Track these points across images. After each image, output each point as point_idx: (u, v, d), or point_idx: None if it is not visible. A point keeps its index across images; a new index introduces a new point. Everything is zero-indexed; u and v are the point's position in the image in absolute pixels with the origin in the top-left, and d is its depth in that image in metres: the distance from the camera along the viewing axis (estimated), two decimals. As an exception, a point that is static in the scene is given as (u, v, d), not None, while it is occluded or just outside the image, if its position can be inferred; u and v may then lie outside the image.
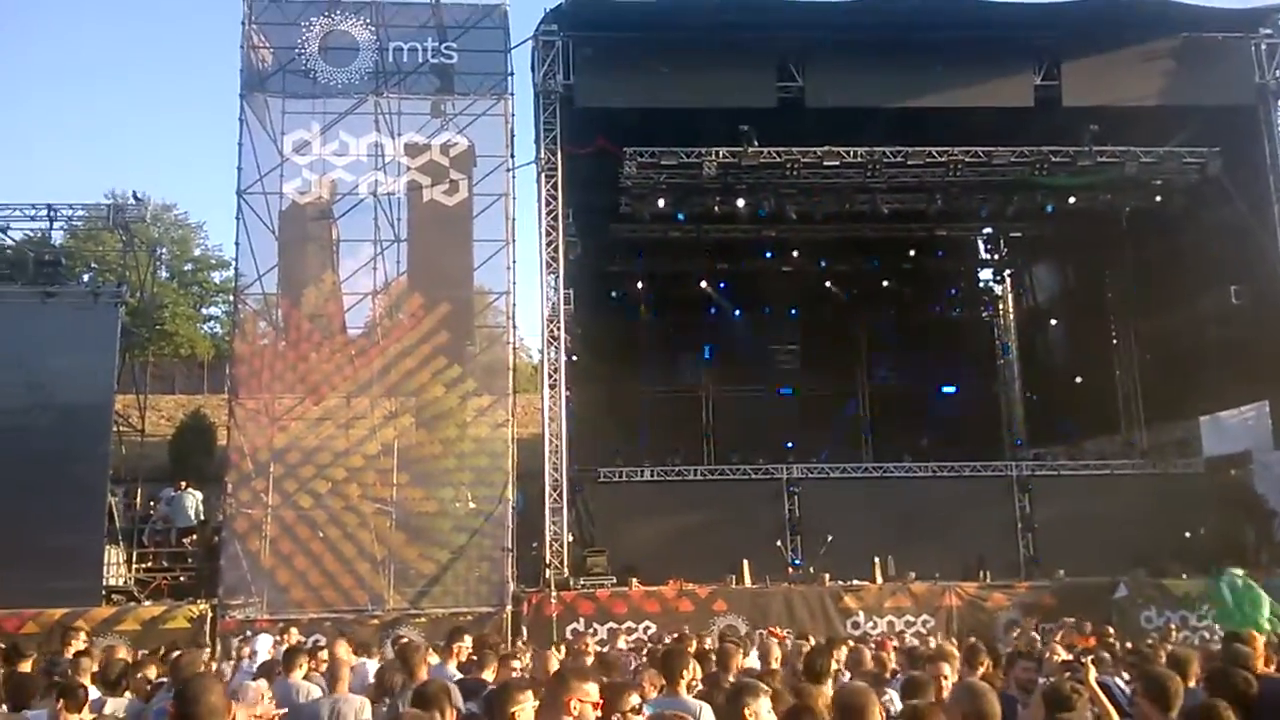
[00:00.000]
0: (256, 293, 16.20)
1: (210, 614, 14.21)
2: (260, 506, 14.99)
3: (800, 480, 18.86)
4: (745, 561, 16.12)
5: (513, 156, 17.01)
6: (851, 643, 9.63)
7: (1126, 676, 6.86)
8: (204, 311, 41.05)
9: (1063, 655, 7.88)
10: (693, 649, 8.12)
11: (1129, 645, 10.29)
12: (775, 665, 7.58)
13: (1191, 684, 5.10)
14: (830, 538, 16.67)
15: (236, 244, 16.23)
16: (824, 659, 6.30)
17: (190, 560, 16.61)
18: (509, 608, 14.83)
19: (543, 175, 17.38)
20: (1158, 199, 19.71)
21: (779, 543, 17.26)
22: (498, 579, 15.10)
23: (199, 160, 75.66)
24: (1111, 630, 12.23)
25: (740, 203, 19.92)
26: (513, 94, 17.01)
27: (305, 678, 6.99)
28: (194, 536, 17.11)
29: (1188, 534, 17.34)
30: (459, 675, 7.47)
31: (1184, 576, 15.86)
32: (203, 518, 17.44)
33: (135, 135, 68.17)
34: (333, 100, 16.62)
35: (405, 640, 9.69)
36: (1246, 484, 18.59)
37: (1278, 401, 18.50)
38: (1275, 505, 17.64)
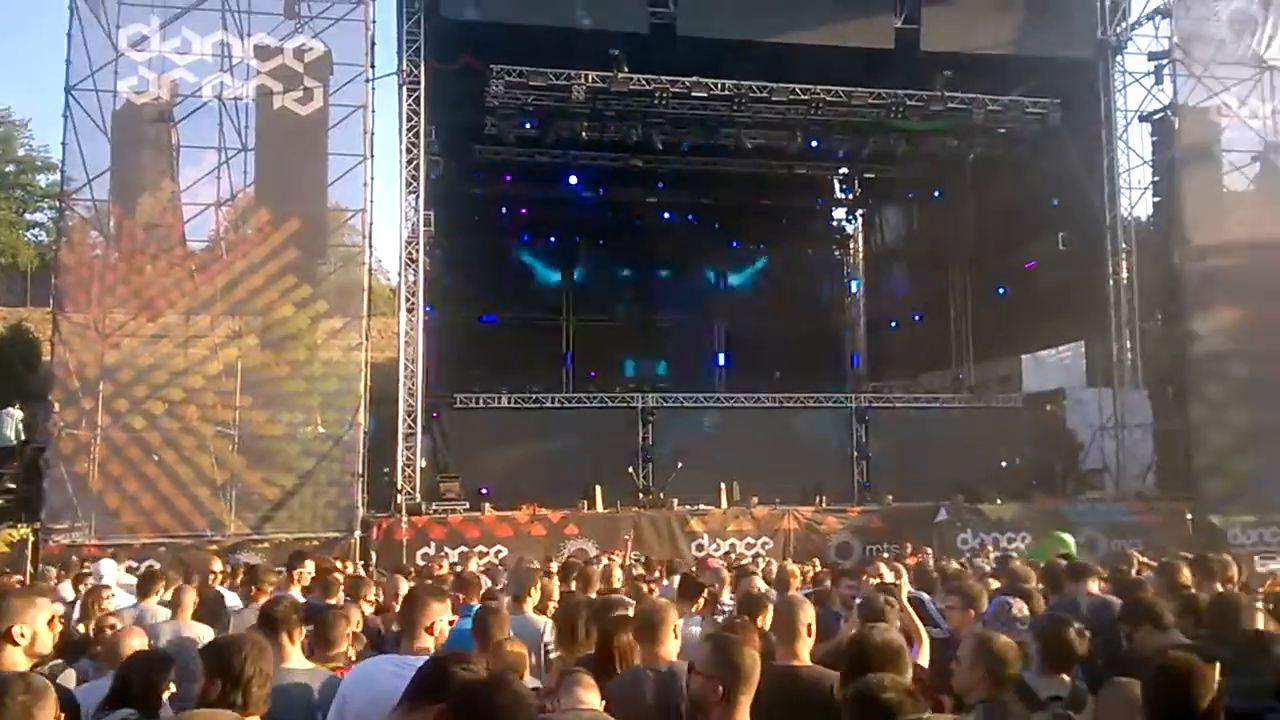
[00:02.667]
0: (86, 199, 15.01)
1: (32, 538, 13.48)
2: (88, 427, 14.15)
3: (655, 409, 19.32)
4: (598, 487, 16.48)
5: (372, 67, 16.30)
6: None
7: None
8: (28, 217, 37.73)
9: (886, 575, 8.50)
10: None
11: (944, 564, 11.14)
12: (617, 585, 7.95)
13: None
14: (680, 464, 17.21)
15: (64, 145, 14.94)
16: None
17: (9, 483, 15.60)
18: (358, 533, 14.70)
19: (404, 89, 16.73)
20: (1001, 147, 20.60)
21: (631, 469, 17.72)
22: (346, 504, 14.89)
23: (24, 52, 68.58)
24: (931, 551, 13.30)
25: (609, 130, 19.79)
26: (374, -1, 16.19)
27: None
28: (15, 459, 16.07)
29: (1004, 463, 18.83)
30: (302, 600, 7.45)
31: (999, 501, 17.20)
32: (24, 438, 16.36)
33: (-55, 17, 60.96)
34: (175, -8, 15.39)
35: (257, 565, 9.53)
36: (1059, 418, 20.21)
37: (1092, 342, 20.11)
38: (1083, 439, 19.29)
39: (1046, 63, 18.59)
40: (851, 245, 28.81)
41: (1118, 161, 18.77)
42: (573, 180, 23.47)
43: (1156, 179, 18.81)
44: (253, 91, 15.70)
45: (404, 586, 7.25)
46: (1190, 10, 18.17)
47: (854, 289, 28.54)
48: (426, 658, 3.71)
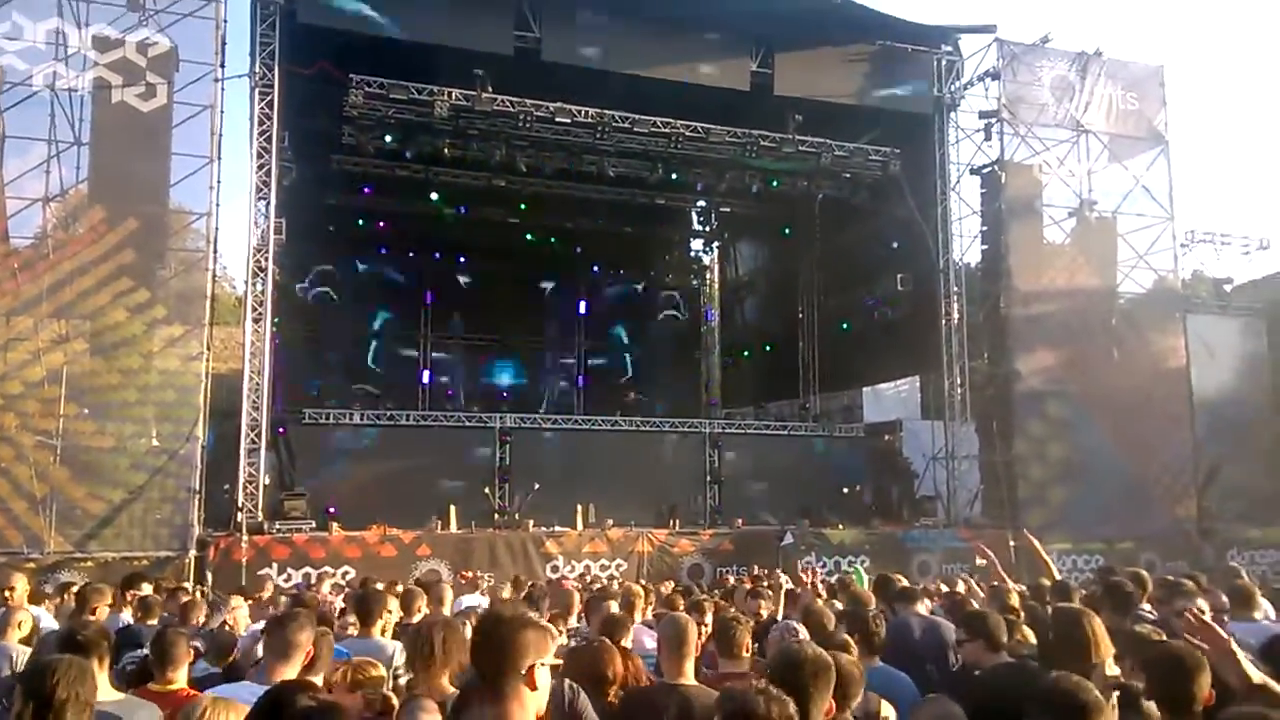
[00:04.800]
0: (-106, 186, 13.75)
1: None
2: (-109, 433, 12.85)
3: (514, 430, 19.22)
4: (452, 507, 16.22)
5: (222, 66, 15.54)
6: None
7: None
8: None
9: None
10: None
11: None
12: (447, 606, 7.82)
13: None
14: (537, 485, 17.15)
15: (-126, 129, 13.67)
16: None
17: None
18: (193, 552, 13.88)
19: (256, 91, 16.11)
20: (846, 190, 21.70)
21: (486, 489, 17.52)
22: (181, 521, 14.01)
23: None
24: (779, 572, 13.74)
25: (471, 148, 19.70)
26: (226, -3, 15.56)
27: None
28: None
29: (845, 490, 19.74)
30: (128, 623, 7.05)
31: (840, 526, 18.00)
32: None
33: None
34: (7, -23, 14.35)
35: (88, 584, 8.86)
36: (896, 448, 21.40)
37: (927, 378, 21.44)
38: (917, 467, 20.47)
39: (889, 114, 19.69)
40: (708, 276, 29.68)
41: (950, 210, 19.96)
42: (433, 196, 23.12)
43: (985, 228, 20.12)
44: (89, 83, 14.75)
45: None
46: (1016, 74, 19.70)
47: (709, 318, 29.36)
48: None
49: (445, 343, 25.17)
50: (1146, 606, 6.54)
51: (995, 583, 8.25)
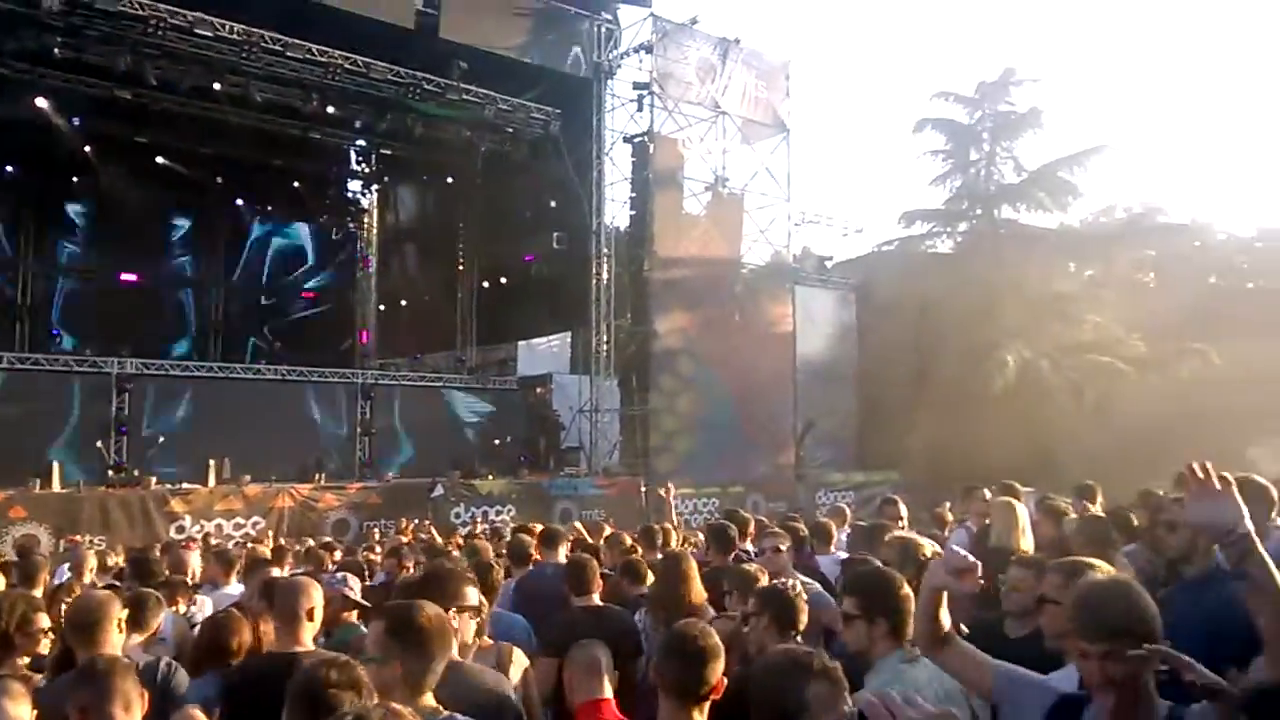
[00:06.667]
0: None
1: None
2: None
3: (135, 376, 17.38)
4: (55, 464, 14.45)
5: None
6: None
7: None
8: None
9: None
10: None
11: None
12: (90, 575, 7.20)
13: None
14: (162, 439, 15.77)
15: None
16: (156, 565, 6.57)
17: None
18: None
19: None
20: (509, 145, 21.92)
21: (99, 443, 15.76)
22: None
23: None
24: (429, 523, 13.97)
25: (89, 52, 17.20)
26: None
27: None
28: None
29: (497, 441, 20.33)
30: None
31: (490, 477, 18.55)
32: None
33: None
34: None
35: None
36: (547, 401, 22.36)
37: (577, 334, 22.54)
38: (564, 420, 21.55)
39: (551, 74, 20.12)
40: (366, 220, 28.45)
41: (605, 175, 21.01)
42: (41, 103, 19.84)
43: (634, 195, 21.51)
44: None
45: None
46: (667, 51, 20.91)
47: (367, 264, 28.29)
48: None
49: (54, 275, 21.93)
50: (749, 546, 7.58)
51: (611, 532, 9.04)
